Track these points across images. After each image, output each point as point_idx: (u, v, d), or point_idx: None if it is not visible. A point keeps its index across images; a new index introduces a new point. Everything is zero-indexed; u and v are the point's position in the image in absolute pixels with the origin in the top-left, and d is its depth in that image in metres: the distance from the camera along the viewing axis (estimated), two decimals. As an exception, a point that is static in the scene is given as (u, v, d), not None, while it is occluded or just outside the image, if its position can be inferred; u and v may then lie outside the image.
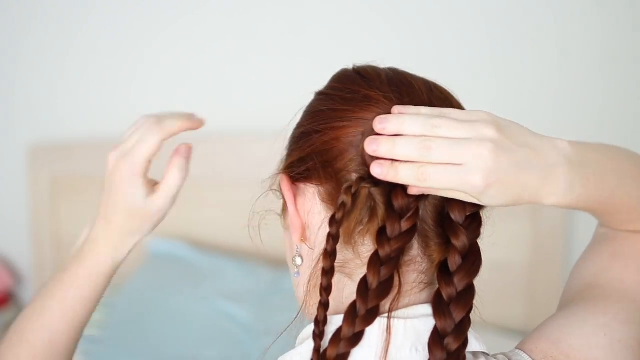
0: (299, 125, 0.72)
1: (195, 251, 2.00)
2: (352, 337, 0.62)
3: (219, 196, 2.06)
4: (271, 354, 0.70)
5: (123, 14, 2.08)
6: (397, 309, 0.65)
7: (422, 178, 0.61)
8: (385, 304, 0.64)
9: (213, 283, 1.89)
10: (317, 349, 0.62)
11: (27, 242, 2.18)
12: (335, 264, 0.64)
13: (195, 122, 0.82)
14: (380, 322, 0.63)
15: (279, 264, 1.98)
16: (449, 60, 1.92)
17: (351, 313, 0.62)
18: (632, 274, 0.73)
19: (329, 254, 0.63)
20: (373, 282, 0.62)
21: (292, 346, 0.68)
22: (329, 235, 0.63)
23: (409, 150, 0.61)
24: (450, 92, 0.71)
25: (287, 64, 2.03)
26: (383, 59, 0.74)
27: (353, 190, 0.63)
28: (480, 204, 0.63)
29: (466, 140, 0.61)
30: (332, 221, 0.63)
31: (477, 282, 0.65)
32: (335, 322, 0.64)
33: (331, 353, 0.61)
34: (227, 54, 2.06)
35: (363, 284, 0.62)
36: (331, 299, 0.64)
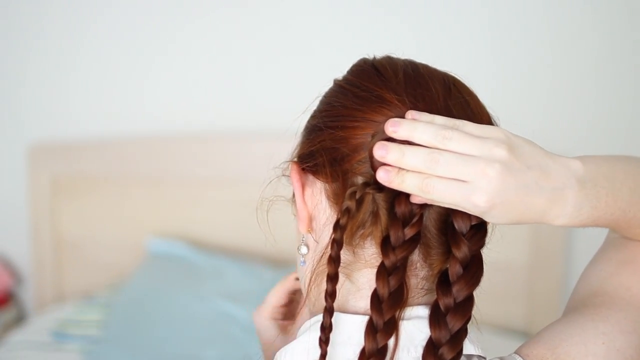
0: (313, 116, 0.71)
1: (195, 251, 2.00)
2: (377, 352, 0.61)
3: (219, 196, 2.06)
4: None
5: (125, 16, 2.08)
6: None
7: (426, 190, 0.60)
8: None
9: (213, 283, 1.89)
10: (323, 355, 0.62)
11: (27, 242, 2.18)
12: (329, 266, 0.63)
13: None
14: (364, 320, 0.63)
15: (279, 264, 1.98)
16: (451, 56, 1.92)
17: (371, 329, 0.61)
18: None
19: (333, 260, 0.62)
20: (384, 293, 0.62)
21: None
22: (333, 240, 0.62)
23: (416, 161, 0.61)
24: (471, 90, 0.69)
25: (287, 65, 2.03)
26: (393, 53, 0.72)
27: (357, 196, 0.62)
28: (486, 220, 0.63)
29: (475, 158, 0.60)
30: (337, 226, 0.63)
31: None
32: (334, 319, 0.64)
33: None
34: (228, 55, 2.06)
35: (375, 297, 0.62)
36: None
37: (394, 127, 0.62)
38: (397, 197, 0.63)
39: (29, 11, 2.11)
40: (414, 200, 0.63)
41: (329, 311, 0.62)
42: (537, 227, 1.89)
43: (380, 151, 0.61)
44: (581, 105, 1.95)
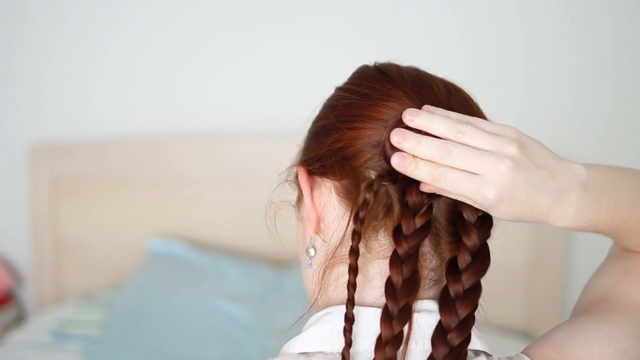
0: (318, 119, 0.73)
1: (195, 251, 2.00)
2: (393, 339, 0.62)
3: (219, 196, 2.06)
4: (275, 351, 0.70)
5: (124, 17, 2.08)
6: None
7: (438, 178, 0.62)
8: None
9: (213, 283, 1.89)
10: (348, 344, 0.63)
11: (27, 242, 2.18)
12: (350, 257, 0.65)
13: None
14: (376, 312, 0.65)
15: (279, 264, 1.98)
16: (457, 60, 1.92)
17: (386, 316, 0.63)
18: None
19: (354, 252, 0.64)
20: (398, 281, 0.63)
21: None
22: (354, 232, 0.64)
23: (431, 151, 0.63)
24: (469, 94, 0.72)
25: (287, 66, 2.04)
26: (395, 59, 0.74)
27: (375, 188, 0.64)
28: (492, 215, 0.65)
29: (487, 153, 0.62)
30: (357, 218, 0.64)
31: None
32: (337, 311, 0.66)
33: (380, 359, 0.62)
34: (228, 55, 2.06)
35: (389, 285, 0.64)
36: (332, 288, 0.68)
37: (412, 116, 0.64)
38: (409, 187, 0.65)
39: (29, 12, 2.11)
40: (423, 188, 0.64)
41: (351, 302, 0.64)
42: (537, 227, 1.89)
43: (398, 137, 0.63)
44: (560, 106, 1.96)
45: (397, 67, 0.72)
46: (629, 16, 1.90)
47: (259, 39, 2.03)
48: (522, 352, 0.70)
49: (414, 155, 0.63)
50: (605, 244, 0.82)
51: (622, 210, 0.69)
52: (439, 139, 0.63)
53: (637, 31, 1.90)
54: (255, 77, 2.05)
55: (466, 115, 0.65)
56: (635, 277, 0.75)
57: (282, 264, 1.96)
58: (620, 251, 0.79)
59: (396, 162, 0.63)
